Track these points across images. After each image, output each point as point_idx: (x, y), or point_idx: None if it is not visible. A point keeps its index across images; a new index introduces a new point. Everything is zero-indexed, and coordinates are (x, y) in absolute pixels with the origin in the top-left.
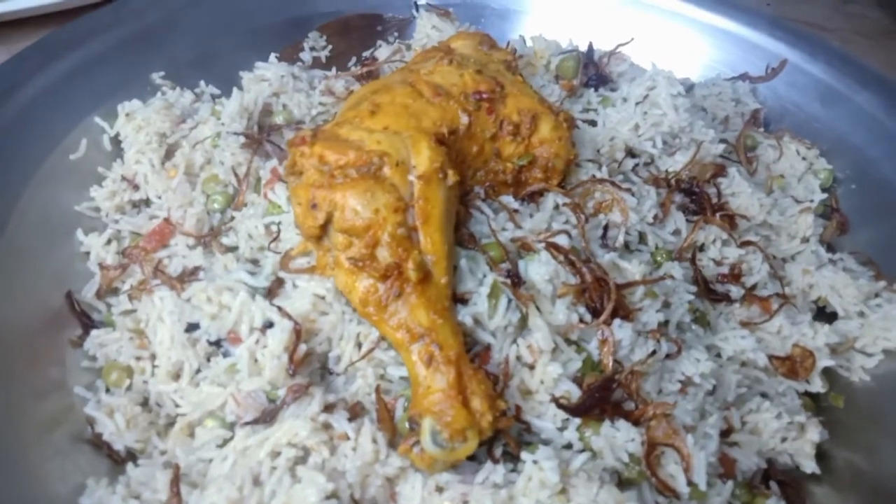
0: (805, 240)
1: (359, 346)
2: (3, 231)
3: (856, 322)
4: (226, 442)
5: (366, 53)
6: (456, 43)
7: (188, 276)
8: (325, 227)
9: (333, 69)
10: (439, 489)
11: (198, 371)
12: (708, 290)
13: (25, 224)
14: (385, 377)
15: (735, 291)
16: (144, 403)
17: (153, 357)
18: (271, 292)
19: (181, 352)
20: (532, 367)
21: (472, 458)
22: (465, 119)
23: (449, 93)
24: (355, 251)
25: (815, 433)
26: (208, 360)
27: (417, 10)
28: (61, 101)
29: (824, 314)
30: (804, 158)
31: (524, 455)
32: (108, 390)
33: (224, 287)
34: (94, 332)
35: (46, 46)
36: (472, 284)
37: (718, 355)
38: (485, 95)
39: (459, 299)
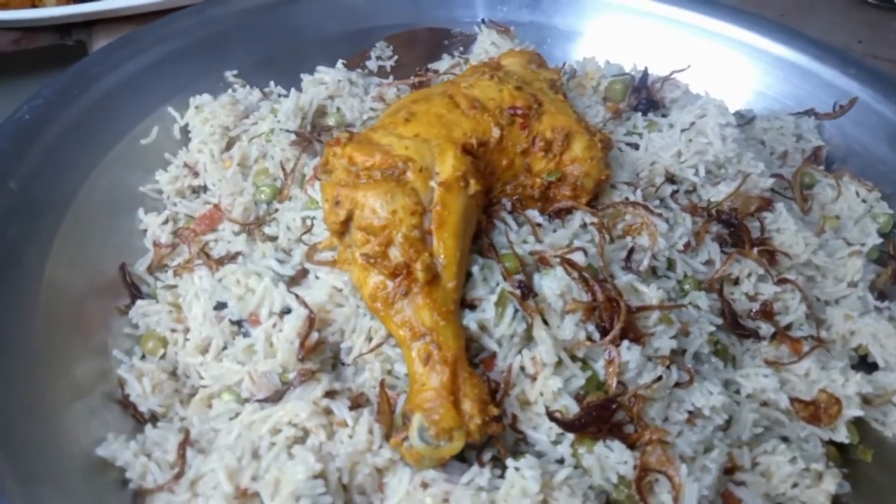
0: (853, 284)
1: (369, 339)
2: (71, 202)
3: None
4: (237, 415)
5: (429, 66)
6: (506, 60)
7: (228, 259)
8: (347, 224)
9: (391, 78)
10: (424, 485)
11: (224, 348)
12: (735, 325)
13: (93, 198)
14: (392, 373)
15: (765, 329)
16: (173, 373)
17: (186, 331)
18: (294, 281)
19: (210, 328)
20: (534, 379)
21: (462, 459)
22: (496, 132)
23: (485, 106)
24: (369, 248)
25: (831, 483)
26: (234, 338)
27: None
28: (140, 91)
29: (866, 364)
30: (864, 201)
31: (509, 462)
32: (143, 357)
33: (253, 271)
34: (139, 303)
35: (132, 41)
36: (483, 291)
37: (738, 391)
38: (519, 111)
39: (468, 305)
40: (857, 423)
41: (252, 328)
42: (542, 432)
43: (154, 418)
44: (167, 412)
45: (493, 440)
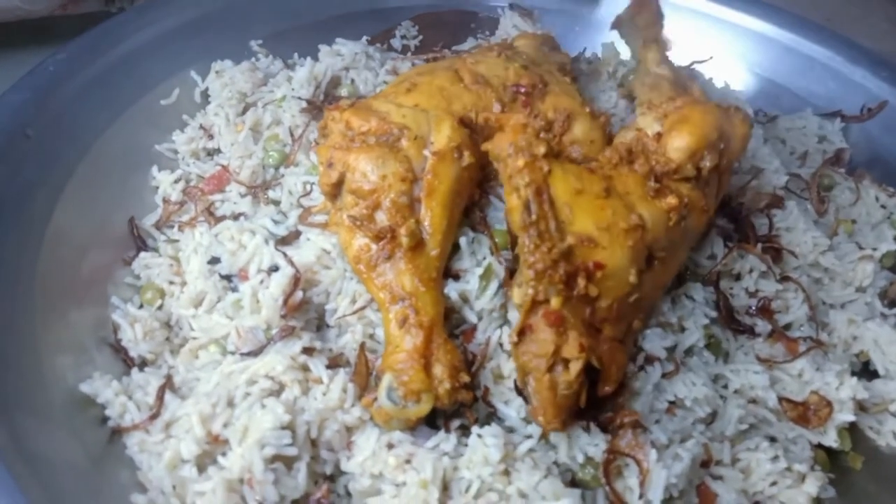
0: (861, 289)
1: (353, 302)
2: (86, 153)
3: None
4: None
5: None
6: (519, 41)
7: (232, 219)
8: (338, 187)
9: (408, 55)
10: (390, 445)
11: (218, 302)
12: (731, 319)
13: (108, 152)
14: (374, 337)
15: (761, 326)
16: (167, 323)
17: (184, 284)
18: (285, 241)
19: (204, 282)
20: (510, 355)
21: (432, 426)
22: (497, 108)
23: (488, 82)
24: (357, 211)
25: (813, 486)
26: (225, 294)
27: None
28: (165, 52)
29: (868, 372)
30: (883, 206)
31: (473, 428)
32: (141, 306)
33: (247, 228)
34: (142, 255)
35: (163, 4)
36: (469, 263)
37: (726, 386)
38: (523, 89)
39: (453, 275)
40: (851, 430)
41: (241, 283)
42: (512, 408)
43: (144, 364)
44: (156, 359)
45: (462, 409)
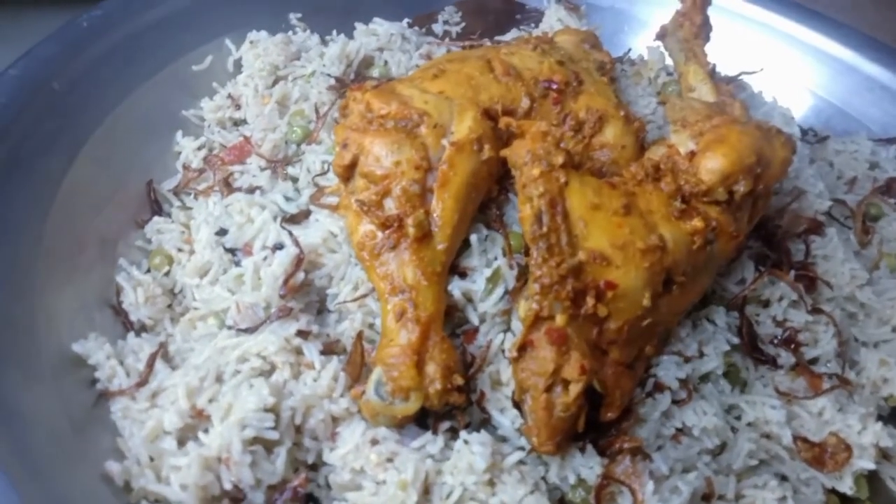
0: None
1: (356, 289)
2: (111, 111)
3: None
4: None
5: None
6: (560, 37)
7: (247, 192)
8: (352, 169)
9: (446, 40)
10: (374, 441)
11: (223, 274)
12: (753, 348)
13: (134, 113)
14: (373, 327)
15: (785, 357)
16: (172, 290)
17: (192, 252)
18: (294, 219)
19: (211, 253)
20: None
21: (422, 425)
22: (525, 102)
23: (520, 75)
24: (366, 195)
25: None
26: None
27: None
28: (202, 19)
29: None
30: None
31: (462, 433)
32: (148, 271)
33: (257, 203)
34: (155, 219)
35: None
36: (478, 262)
37: (739, 418)
38: (554, 86)
39: (460, 272)
40: (871, 478)
41: (245, 258)
42: (507, 417)
43: (143, 329)
44: (155, 325)
45: (454, 411)
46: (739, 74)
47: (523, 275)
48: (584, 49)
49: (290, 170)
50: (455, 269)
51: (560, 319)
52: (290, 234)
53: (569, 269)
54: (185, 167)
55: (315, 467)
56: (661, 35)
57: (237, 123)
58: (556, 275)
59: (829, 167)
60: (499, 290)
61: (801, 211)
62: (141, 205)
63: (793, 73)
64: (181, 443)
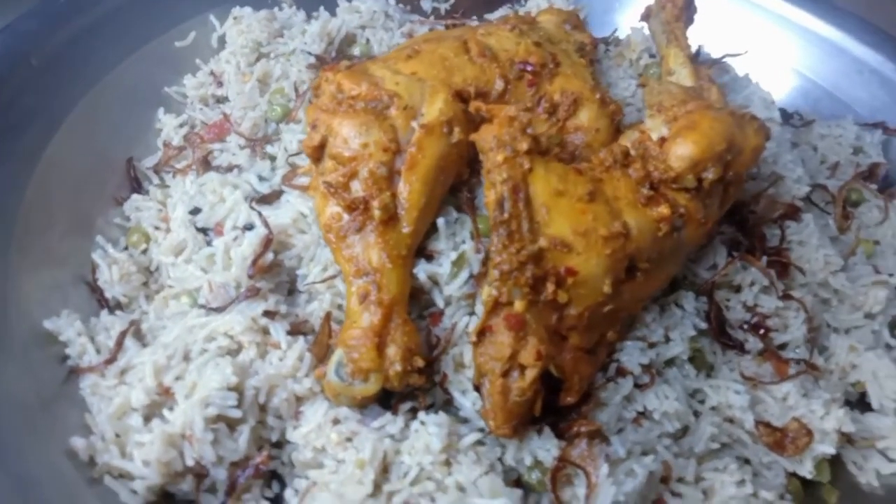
0: (870, 315)
1: (325, 270)
2: (91, 88)
3: (889, 420)
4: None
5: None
6: (543, 16)
7: (226, 170)
8: (321, 150)
9: (431, 18)
10: (336, 421)
11: (197, 231)
12: (721, 333)
13: (115, 89)
14: (342, 308)
15: (752, 343)
16: (148, 268)
17: (168, 231)
18: (266, 199)
19: (185, 231)
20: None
21: (386, 405)
22: (499, 84)
23: (496, 56)
24: (333, 177)
25: None
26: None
27: None
28: None
29: (863, 403)
30: None
31: (420, 414)
32: (126, 248)
33: (230, 182)
34: (133, 197)
35: None
36: (445, 246)
37: (703, 401)
38: (530, 67)
39: (426, 255)
40: (833, 461)
41: (216, 238)
42: (468, 399)
43: (119, 307)
44: (130, 303)
45: (416, 392)
46: (723, 57)
47: (489, 259)
48: (565, 30)
49: (269, 148)
50: (422, 251)
51: (519, 305)
52: (260, 214)
53: (529, 256)
54: (166, 144)
55: (279, 445)
56: (646, 16)
57: (219, 100)
58: (515, 261)
59: (813, 151)
60: (464, 274)
61: (778, 196)
62: (121, 182)
63: (782, 53)
64: (147, 419)
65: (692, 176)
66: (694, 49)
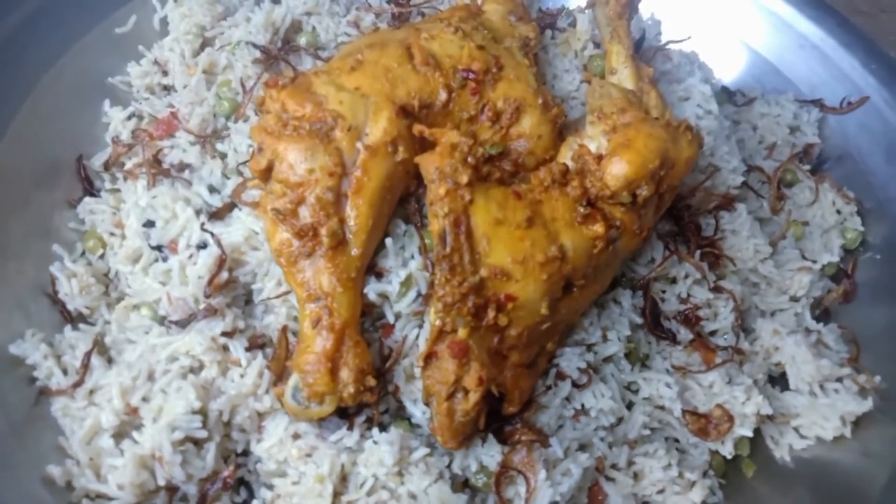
0: (794, 299)
1: (280, 285)
2: (33, 87)
3: (803, 400)
4: (151, 330)
5: None
6: (488, 6)
7: (177, 169)
8: (269, 172)
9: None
10: (296, 436)
11: (155, 261)
12: (655, 326)
13: (58, 86)
14: (297, 319)
15: (683, 334)
16: (106, 274)
17: (123, 237)
18: (218, 214)
19: (140, 241)
20: None
21: (342, 415)
22: (443, 95)
23: (439, 64)
24: (281, 204)
25: (699, 494)
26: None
27: None
28: None
29: (784, 380)
30: (839, 212)
31: (374, 432)
32: (83, 253)
33: (181, 197)
34: (86, 200)
35: None
36: (395, 263)
37: (637, 392)
38: (472, 75)
39: (376, 272)
40: (754, 438)
41: (171, 254)
42: (419, 407)
43: (80, 317)
44: (92, 313)
45: (371, 406)
46: (666, 44)
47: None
48: (510, 23)
49: (220, 146)
50: (372, 268)
51: (462, 333)
52: (213, 235)
53: (470, 287)
54: (115, 141)
55: (246, 453)
56: (591, 4)
57: (167, 88)
58: (458, 293)
59: (753, 131)
60: (412, 293)
61: (714, 188)
62: (72, 182)
63: (731, 25)
64: (119, 437)
65: (627, 193)
66: (638, 35)
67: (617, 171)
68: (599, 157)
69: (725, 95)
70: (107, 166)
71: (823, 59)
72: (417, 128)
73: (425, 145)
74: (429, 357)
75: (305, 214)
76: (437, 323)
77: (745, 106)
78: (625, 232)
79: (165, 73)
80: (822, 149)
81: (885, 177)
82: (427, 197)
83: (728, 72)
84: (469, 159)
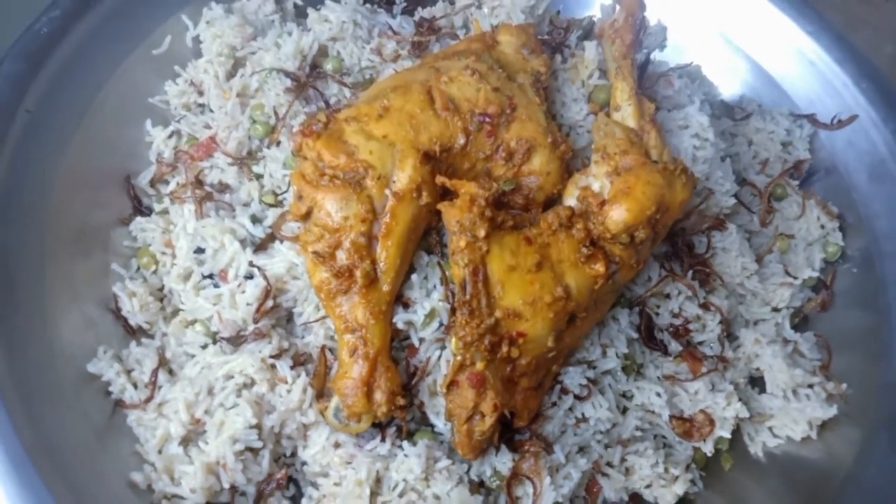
0: (776, 310)
1: (318, 310)
2: (83, 116)
3: (778, 402)
4: (206, 346)
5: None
6: (502, 37)
7: (217, 190)
8: (308, 216)
9: (397, 17)
10: (337, 444)
11: (204, 282)
12: (649, 339)
13: (104, 111)
14: (334, 338)
15: (674, 346)
16: (161, 289)
17: (174, 255)
18: (261, 245)
19: (191, 262)
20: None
21: (376, 427)
22: (461, 139)
23: (458, 108)
24: (320, 247)
25: (681, 487)
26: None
27: None
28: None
29: (763, 382)
30: (822, 226)
31: (405, 444)
32: (138, 269)
33: (228, 229)
34: (137, 219)
35: None
36: (419, 294)
37: (631, 398)
38: (488, 119)
39: (403, 303)
40: (733, 432)
41: (221, 282)
42: (441, 419)
43: (143, 331)
44: (152, 327)
45: (400, 420)
46: (668, 71)
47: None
48: (522, 56)
49: (255, 168)
50: (399, 297)
51: (479, 366)
52: (259, 269)
53: (487, 328)
54: (159, 161)
55: (294, 454)
56: (599, 34)
57: (202, 106)
58: (476, 334)
59: (748, 146)
60: (434, 323)
61: (707, 210)
62: (122, 200)
63: (732, 35)
64: (186, 442)
65: (626, 235)
66: (643, 59)
67: (617, 216)
68: (602, 202)
69: (724, 109)
70: (152, 183)
71: (818, 75)
72: (440, 179)
73: (446, 188)
74: (451, 385)
75: (342, 257)
76: (458, 358)
77: (742, 121)
78: (623, 266)
79: (201, 93)
80: (812, 162)
81: (866, 194)
82: (449, 246)
83: (729, 82)
84: (486, 212)
